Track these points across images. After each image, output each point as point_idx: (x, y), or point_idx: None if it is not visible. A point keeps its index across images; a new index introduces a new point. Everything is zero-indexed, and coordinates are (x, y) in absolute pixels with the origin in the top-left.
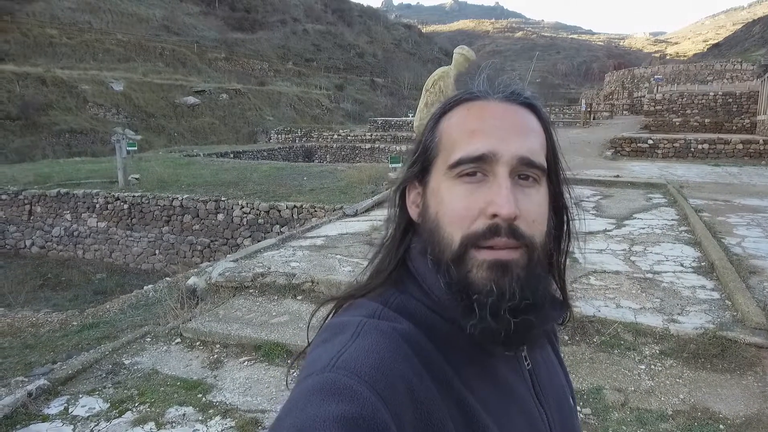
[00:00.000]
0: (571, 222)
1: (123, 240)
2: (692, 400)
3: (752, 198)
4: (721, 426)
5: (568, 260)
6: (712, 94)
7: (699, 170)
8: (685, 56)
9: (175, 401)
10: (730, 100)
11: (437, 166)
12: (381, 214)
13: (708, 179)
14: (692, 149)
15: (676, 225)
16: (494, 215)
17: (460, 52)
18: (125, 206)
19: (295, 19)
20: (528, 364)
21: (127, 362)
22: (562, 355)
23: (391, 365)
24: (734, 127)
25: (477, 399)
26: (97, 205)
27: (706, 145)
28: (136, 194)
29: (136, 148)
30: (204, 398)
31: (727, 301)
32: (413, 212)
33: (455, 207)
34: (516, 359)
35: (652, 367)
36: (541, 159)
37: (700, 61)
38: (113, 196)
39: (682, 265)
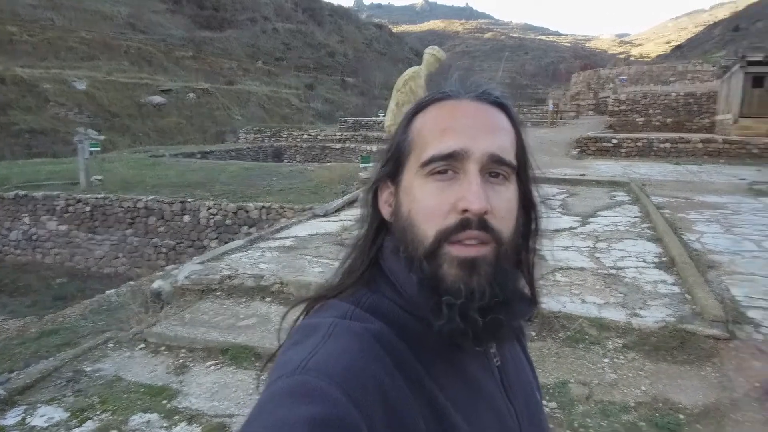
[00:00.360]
0: (539, 219)
1: (85, 243)
2: (653, 392)
3: (711, 195)
4: (680, 416)
5: (536, 257)
6: (674, 94)
7: (661, 169)
8: (648, 57)
9: (139, 408)
10: (691, 100)
11: (410, 164)
12: (352, 214)
13: (669, 177)
14: (654, 148)
15: (638, 222)
16: (465, 210)
17: (431, 52)
18: (87, 208)
19: (265, 17)
20: (497, 361)
21: (88, 369)
22: (530, 350)
23: (362, 366)
24: (695, 127)
25: (447, 397)
26: (58, 208)
27: (667, 144)
28: (99, 196)
29: (99, 149)
30: (169, 404)
31: (686, 295)
32: (386, 211)
33: (428, 204)
34: (485, 356)
35: (616, 360)
36: (510, 157)
37: (663, 62)
38: (75, 198)
39: (644, 260)
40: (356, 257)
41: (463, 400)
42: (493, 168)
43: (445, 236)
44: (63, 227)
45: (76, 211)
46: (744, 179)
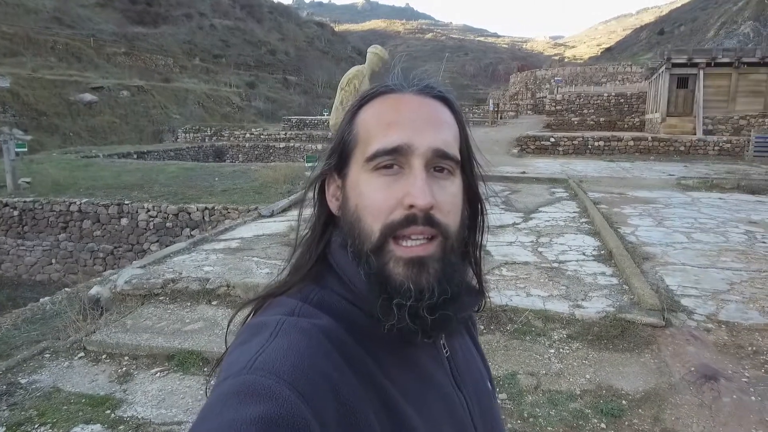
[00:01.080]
0: (485, 212)
1: (13, 250)
2: (597, 380)
3: (643, 190)
4: (623, 402)
5: (482, 250)
6: (606, 95)
7: (596, 166)
8: (581, 59)
9: (81, 419)
10: (622, 100)
11: (355, 158)
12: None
13: (604, 174)
14: (590, 146)
15: (577, 217)
16: (411, 206)
17: (374, 51)
18: (15, 213)
19: (201, 13)
20: (446, 352)
21: (23, 381)
22: (480, 342)
23: (311, 363)
24: (626, 126)
25: (398, 389)
26: None
27: (601, 143)
28: (28, 199)
29: (26, 150)
30: (113, 414)
31: (624, 285)
32: (333, 205)
33: (374, 199)
34: (435, 347)
35: (561, 350)
36: (454, 151)
37: (594, 64)
38: (1, 201)
39: (584, 254)
40: (304, 252)
41: (414, 391)
42: (437, 163)
43: (391, 231)
44: None
45: (3, 215)
46: (673, 175)
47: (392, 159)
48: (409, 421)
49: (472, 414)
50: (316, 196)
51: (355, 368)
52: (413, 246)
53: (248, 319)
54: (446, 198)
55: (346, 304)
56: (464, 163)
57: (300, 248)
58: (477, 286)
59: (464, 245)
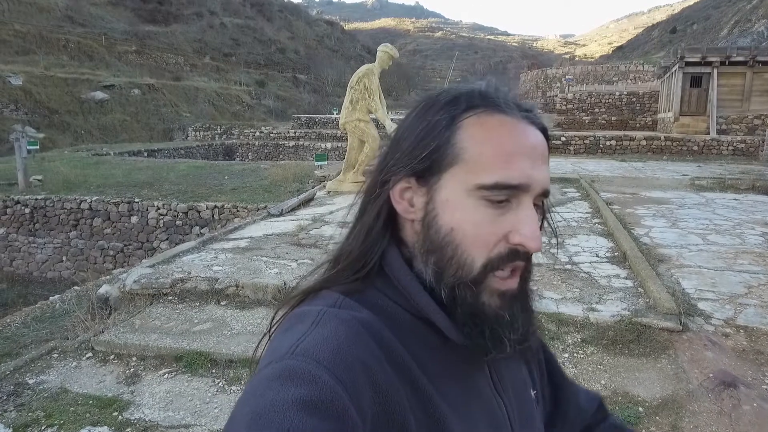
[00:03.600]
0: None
1: (25, 247)
2: (613, 385)
3: (656, 191)
4: (640, 408)
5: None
6: (617, 93)
7: (608, 165)
8: (592, 58)
9: (88, 421)
10: (634, 99)
11: (455, 175)
12: (308, 214)
13: (616, 174)
14: (601, 146)
15: (589, 217)
16: (518, 244)
17: (384, 49)
18: (27, 210)
19: (212, 12)
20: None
21: (31, 382)
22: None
23: (349, 350)
24: (638, 125)
25: (434, 386)
26: None
27: (613, 142)
28: (39, 197)
29: (37, 147)
30: (120, 416)
31: (639, 288)
32: (401, 208)
33: (480, 231)
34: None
35: (575, 355)
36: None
37: (606, 62)
38: (13, 199)
39: (597, 255)
40: (364, 252)
41: (451, 391)
42: (539, 200)
43: (494, 267)
44: (0, 230)
45: (14, 213)
46: (686, 175)
47: (509, 194)
48: (444, 419)
49: (511, 420)
50: (381, 193)
51: (392, 360)
52: (506, 279)
53: (293, 310)
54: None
55: (387, 301)
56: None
57: (356, 243)
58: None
59: None
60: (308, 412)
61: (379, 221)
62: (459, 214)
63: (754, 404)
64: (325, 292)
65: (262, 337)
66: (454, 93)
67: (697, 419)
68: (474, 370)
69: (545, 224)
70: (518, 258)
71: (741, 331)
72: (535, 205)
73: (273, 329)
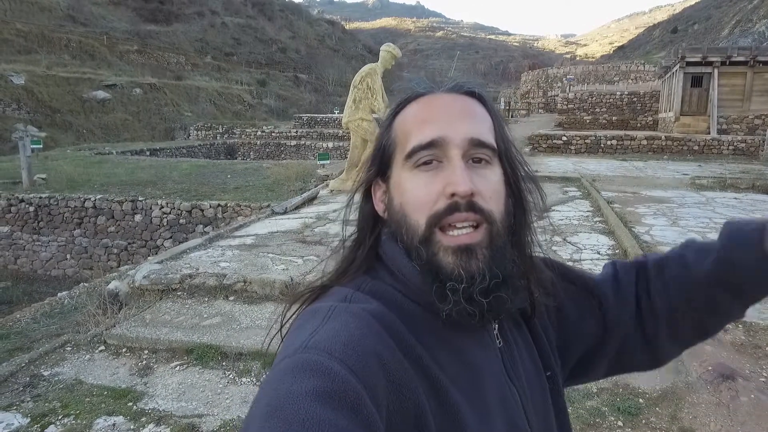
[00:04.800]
0: (526, 199)
1: (29, 245)
2: (614, 378)
3: (657, 190)
4: (640, 400)
5: (531, 235)
6: (618, 93)
7: (609, 165)
8: (593, 57)
9: (103, 411)
10: (635, 99)
11: (396, 160)
12: (312, 212)
13: (617, 173)
14: (602, 145)
15: (590, 216)
16: (453, 194)
17: (387, 49)
18: (31, 208)
19: (213, 11)
20: (499, 343)
21: (46, 373)
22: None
23: (361, 342)
24: (638, 125)
25: (447, 375)
26: None
27: (614, 141)
28: (43, 195)
29: (41, 146)
30: (135, 406)
31: None
32: (380, 208)
33: (417, 194)
34: (487, 338)
35: None
36: (490, 140)
37: (607, 62)
38: (17, 197)
39: (598, 253)
40: (353, 248)
41: (463, 380)
42: (475, 153)
43: (436, 221)
44: (5, 228)
45: (18, 211)
46: (687, 174)
47: (430, 154)
48: (457, 407)
49: (525, 407)
50: (363, 199)
51: (404, 350)
52: (460, 235)
53: (305, 307)
54: (487, 185)
55: (396, 293)
56: (501, 153)
57: (349, 244)
58: (525, 271)
59: (512, 233)
60: (322, 402)
61: (366, 225)
62: (402, 188)
63: (752, 396)
64: (336, 289)
65: (276, 333)
66: (396, 99)
67: (696, 410)
68: (486, 357)
69: (519, 176)
70: (458, 210)
71: (739, 325)
72: (480, 159)
73: (285, 327)
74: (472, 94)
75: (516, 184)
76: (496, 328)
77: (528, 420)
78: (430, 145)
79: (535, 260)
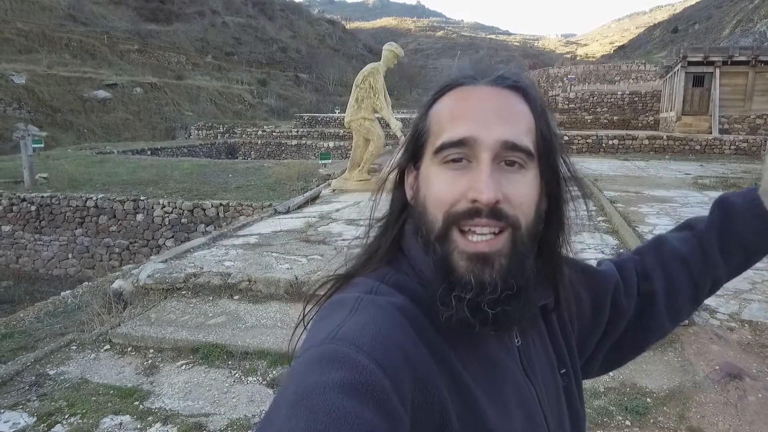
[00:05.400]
0: (563, 207)
1: (31, 244)
2: (621, 377)
3: (659, 189)
4: (648, 399)
5: (564, 245)
6: (619, 93)
7: (610, 164)
8: (593, 57)
9: (110, 410)
10: (636, 98)
11: (427, 151)
12: (315, 211)
13: (619, 172)
14: (603, 145)
15: (593, 215)
16: (474, 200)
17: (389, 48)
18: (32, 208)
19: (214, 11)
20: (518, 341)
21: (52, 372)
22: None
23: (387, 335)
24: (640, 124)
25: (469, 372)
26: (1, 207)
27: (615, 141)
28: (45, 194)
29: (42, 146)
30: (141, 405)
31: None
32: (409, 195)
33: (440, 191)
34: (506, 336)
35: None
36: (526, 143)
37: (607, 62)
38: (18, 197)
39: (602, 252)
40: (378, 236)
41: (484, 377)
42: (507, 156)
43: (454, 220)
44: (7, 228)
45: (20, 210)
46: (689, 174)
47: (459, 152)
48: (478, 404)
49: (541, 403)
50: (395, 185)
51: (429, 345)
52: (479, 241)
53: (329, 297)
54: (516, 190)
55: (418, 287)
56: (541, 155)
57: (374, 232)
58: (551, 280)
59: (539, 241)
60: (348, 394)
61: (395, 209)
62: (428, 181)
63: (759, 395)
64: (359, 279)
65: (296, 326)
66: (434, 84)
67: (703, 409)
68: (505, 354)
69: (560, 182)
70: (479, 215)
71: (746, 325)
72: (512, 162)
73: (307, 318)
74: (516, 88)
75: (555, 185)
76: (515, 327)
77: (545, 417)
78: (460, 143)
79: (564, 260)
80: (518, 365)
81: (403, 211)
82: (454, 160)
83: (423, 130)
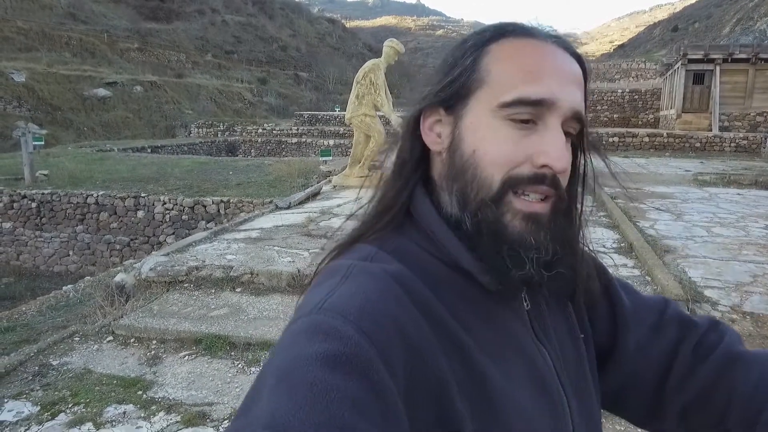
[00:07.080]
0: (586, 182)
1: (32, 241)
2: None
3: (660, 186)
4: None
5: (583, 216)
6: (619, 91)
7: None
8: (593, 56)
9: (113, 400)
10: (636, 96)
11: (479, 99)
12: (316, 207)
13: (619, 169)
14: (604, 142)
15: (594, 210)
16: (543, 165)
17: (390, 44)
18: (33, 204)
19: (214, 9)
20: (527, 305)
21: (55, 363)
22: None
23: (377, 305)
24: (640, 122)
25: (472, 337)
26: (1, 204)
27: (616, 138)
28: (46, 191)
29: (43, 143)
30: (145, 395)
31: (647, 276)
32: (430, 139)
33: (502, 150)
34: (515, 300)
35: None
36: (584, 115)
37: (607, 60)
38: (19, 194)
39: (604, 246)
40: (388, 195)
41: (490, 342)
42: (570, 125)
43: (514, 185)
44: (7, 224)
45: (21, 207)
46: (689, 171)
47: (532, 112)
48: (483, 369)
49: (557, 368)
50: (411, 129)
51: (426, 313)
52: (534, 201)
53: (330, 263)
54: (569, 163)
55: (421, 252)
56: (583, 129)
57: (383, 189)
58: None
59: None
60: (332, 366)
61: (411, 157)
62: (482, 135)
63: None
64: (359, 246)
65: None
66: (483, 27)
67: None
68: (513, 318)
69: (586, 160)
70: (542, 182)
71: (747, 317)
72: (568, 133)
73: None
74: (578, 57)
75: (580, 163)
76: (525, 290)
77: (561, 383)
78: (538, 103)
79: (581, 240)
80: (529, 331)
81: (420, 163)
82: (522, 120)
83: (471, 75)
